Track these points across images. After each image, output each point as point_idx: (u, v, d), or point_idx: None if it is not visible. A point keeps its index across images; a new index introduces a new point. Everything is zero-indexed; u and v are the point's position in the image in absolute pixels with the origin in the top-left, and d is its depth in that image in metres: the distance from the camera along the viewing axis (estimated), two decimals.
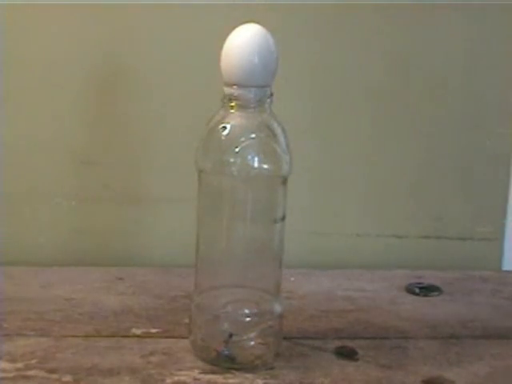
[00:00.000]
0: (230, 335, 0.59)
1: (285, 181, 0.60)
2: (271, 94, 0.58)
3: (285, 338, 0.62)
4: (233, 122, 0.58)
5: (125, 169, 0.81)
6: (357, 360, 0.62)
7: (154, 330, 0.65)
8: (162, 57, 0.79)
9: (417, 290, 0.75)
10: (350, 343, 0.64)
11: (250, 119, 0.58)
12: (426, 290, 0.75)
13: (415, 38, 0.81)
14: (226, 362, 0.59)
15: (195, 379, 0.58)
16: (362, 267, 0.81)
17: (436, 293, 0.75)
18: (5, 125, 0.78)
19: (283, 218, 0.60)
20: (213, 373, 0.58)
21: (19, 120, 0.79)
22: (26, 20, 0.77)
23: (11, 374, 0.57)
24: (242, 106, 0.58)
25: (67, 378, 0.57)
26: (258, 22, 0.59)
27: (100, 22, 0.78)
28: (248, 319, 0.59)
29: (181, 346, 0.62)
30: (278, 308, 0.61)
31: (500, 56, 0.83)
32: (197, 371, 0.59)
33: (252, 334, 0.59)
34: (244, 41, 0.57)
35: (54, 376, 0.57)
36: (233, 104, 0.58)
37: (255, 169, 0.58)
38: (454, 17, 0.81)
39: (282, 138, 0.59)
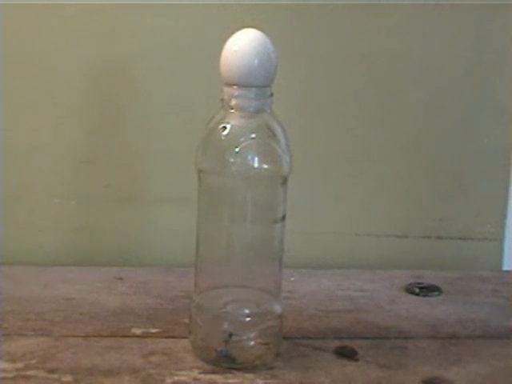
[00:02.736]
0: (230, 335, 0.59)
1: (285, 181, 0.60)
2: (271, 94, 0.59)
3: (285, 338, 0.62)
4: (233, 122, 0.58)
5: (125, 169, 0.81)
6: (357, 360, 0.62)
7: (153, 330, 0.65)
8: (162, 57, 0.79)
9: (417, 290, 0.75)
10: (349, 343, 0.64)
11: (250, 119, 0.58)
12: (426, 290, 0.75)
13: (415, 38, 0.81)
14: (225, 362, 0.59)
15: (195, 379, 0.58)
16: (362, 267, 0.81)
17: (436, 293, 0.75)
18: (4, 125, 0.78)
19: (283, 218, 0.60)
20: (213, 373, 0.58)
21: (19, 120, 0.79)
22: (25, 20, 0.77)
23: (11, 374, 0.57)
24: (242, 106, 0.58)
25: (67, 378, 0.57)
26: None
27: (100, 22, 0.78)
28: (248, 319, 0.59)
29: (181, 345, 0.62)
30: (277, 308, 0.61)
31: (499, 55, 0.83)
32: (197, 371, 0.59)
33: (252, 334, 0.59)
34: (243, 43, 0.57)
35: (54, 376, 0.57)
36: (233, 104, 0.58)
37: (255, 169, 0.58)
38: (453, 17, 0.81)
39: (282, 138, 0.59)
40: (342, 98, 0.82)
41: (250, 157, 0.58)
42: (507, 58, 0.83)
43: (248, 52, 0.57)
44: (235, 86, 0.57)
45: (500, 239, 0.85)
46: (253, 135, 0.58)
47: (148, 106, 0.80)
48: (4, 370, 0.57)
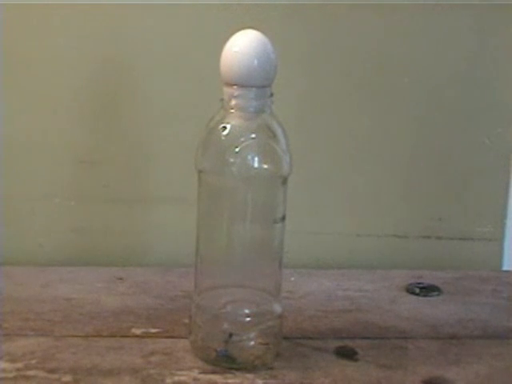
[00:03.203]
0: (230, 335, 0.59)
1: (285, 181, 0.60)
2: (271, 95, 0.59)
3: (285, 338, 0.62)
4: (233, 122, 0.58)
5: (125, 169, 0.81)
6: (357, 360, 0.62)
7: (153, 330, 0.65)
8: (162, 57, 0.79)
9: (417, 290, 0.75)
10: (350, 343, 0.64)
11: (250, 119, 0.58)
12: (426, 290, 0.75)
13: (415, 38, 0.81)
14: (225, 362, 0.59)
15: (195, 379, 0.58)
16: (362, 267, 0.81)
17: (436, 293, 0.75)
18: (5, 125, 0.78)
19: (283, 218, 0.60)
20: (213, 373, 0.58)
21: (19, 120, 0.79)
22: (26, 20, 0.77)
23: (11, 374, 0.57)
24: (242, 107, 0.58)
25: (67, 377, 0.57)
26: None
27: (100, 22, 0.78)
28: (248, 319, 0.59)
29: (181, 346, 0.62)
30: (277, 308, 0.61)
31: (499, 56, 0.83)
32: (197, 371, 0.59)
33: (252, 334, 0.59)
34: (243, 44, 0.57)
35: (54, 376, 0.57)
36: (233, 104, 0.58)
37: (255, 169, 0.58)
38: (454, 17, 0.81)
39: (282, 138, 0.59)
40: (342, 98, 0.82)
41: (249, 157, 0.58)
42: (507, 57, 0.83)
43: (248, 53, 0.57)
44: (235, 86, 0.57)
45: (500, 239, 0.85)
46: (253, 135, 0.58)
47: (148, 106, 0.80)
48: (4, 370, 0.57)
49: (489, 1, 0.80)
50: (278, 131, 0.59)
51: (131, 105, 0.80)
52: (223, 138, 0.58)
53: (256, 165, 0.58)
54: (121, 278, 0.75)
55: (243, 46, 0.57)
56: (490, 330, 0.68)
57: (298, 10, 0.79)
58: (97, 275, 0.75)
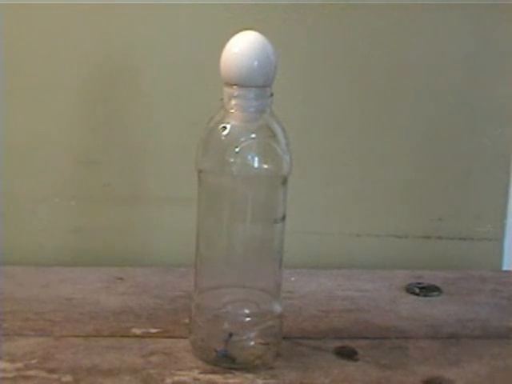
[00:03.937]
0: (230, 335, 0.59)
1: (285, 181, 0.60)
2: (271, 95, 0.59)
3: (285, 338, 0.62)
4: (233, 122, 0.58)
5: (125, 169, 0.81)
6: (357, 360, 0.62)
7: (153, 330, 0.65)
8: (162, 57, 0.79)
9: (417, 290, 0.75)
10: (350, 343, 0.64)
11: (250, 119, 0.58)
12: (426, 290, 0.75)
13: (415, 39, 0.81)
14: (225, 362, 0.59)
15: (195, 379, 0.58)
16: (362, 267, 0.81)
17: (436, 293, 0.75)
18: (5, 125, 0.78)
19: (283, 218, 0.60)
20: (213, 373, 0.58)
21: (19, 120, 0.79)
22: (26, 20, 0.77)
23: (11, 374, 0.57)
24: (242, 106, 0.58)
25: (67, 377, 0.57)
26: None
27: (100, 22, 0.78)
28: (248, 319, 0.59)
29: (181, 346, 0.62)
30: (277, 308, 0.61)
31: (500, 56, 0.83)
32: (197, 371, 0.59)
33: (252, 334, 0.59)
34: (243, 45, 0.57)
35: (54, 376, 0.57)
36: (233, 104, 0.58)
37: (255, 169, 0.58)
38: (454, 17, 0.81)
39: (282, 138, 0.59)
40: (342, 98, 0.82)
41: (250, 157, 0.58)
42: (507, 57, 0.83)
43: (248, 53, 0.57)
44: (235, 87, 0.57)
45: (500, 239, 0.85)
46: (253, 135, 0.58)
47: (148, 106, 0.80)
48: (4, 370, 0.57)
49: (489, 1, 0.81)
50: (278, 131, 0.59)
51: (131, 105, 0.80)
52: (223, 137, 0.58)
53: (256, 165, 0.58)
54: (121, 278, 0.75)
55: (243, 46, 0.57)
56: (490, 329, 0.68)
57: (298, 10, 0.79)
58: (97, 275, 0.75)
